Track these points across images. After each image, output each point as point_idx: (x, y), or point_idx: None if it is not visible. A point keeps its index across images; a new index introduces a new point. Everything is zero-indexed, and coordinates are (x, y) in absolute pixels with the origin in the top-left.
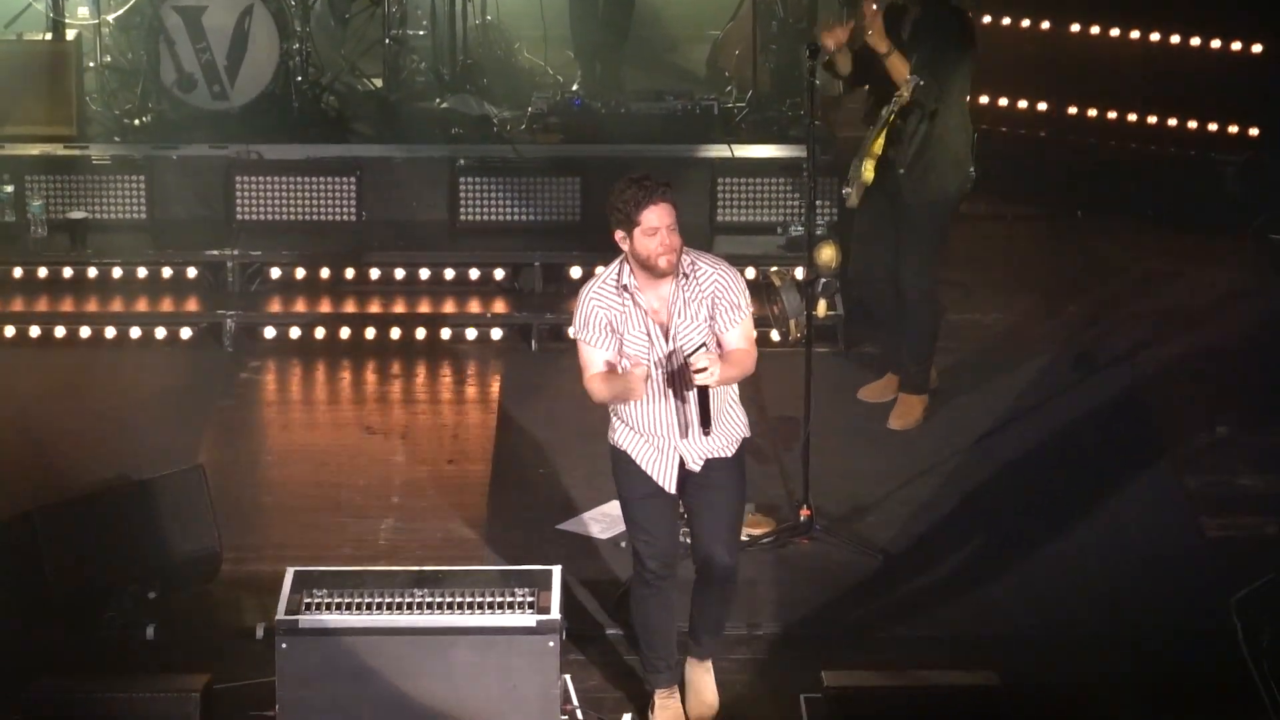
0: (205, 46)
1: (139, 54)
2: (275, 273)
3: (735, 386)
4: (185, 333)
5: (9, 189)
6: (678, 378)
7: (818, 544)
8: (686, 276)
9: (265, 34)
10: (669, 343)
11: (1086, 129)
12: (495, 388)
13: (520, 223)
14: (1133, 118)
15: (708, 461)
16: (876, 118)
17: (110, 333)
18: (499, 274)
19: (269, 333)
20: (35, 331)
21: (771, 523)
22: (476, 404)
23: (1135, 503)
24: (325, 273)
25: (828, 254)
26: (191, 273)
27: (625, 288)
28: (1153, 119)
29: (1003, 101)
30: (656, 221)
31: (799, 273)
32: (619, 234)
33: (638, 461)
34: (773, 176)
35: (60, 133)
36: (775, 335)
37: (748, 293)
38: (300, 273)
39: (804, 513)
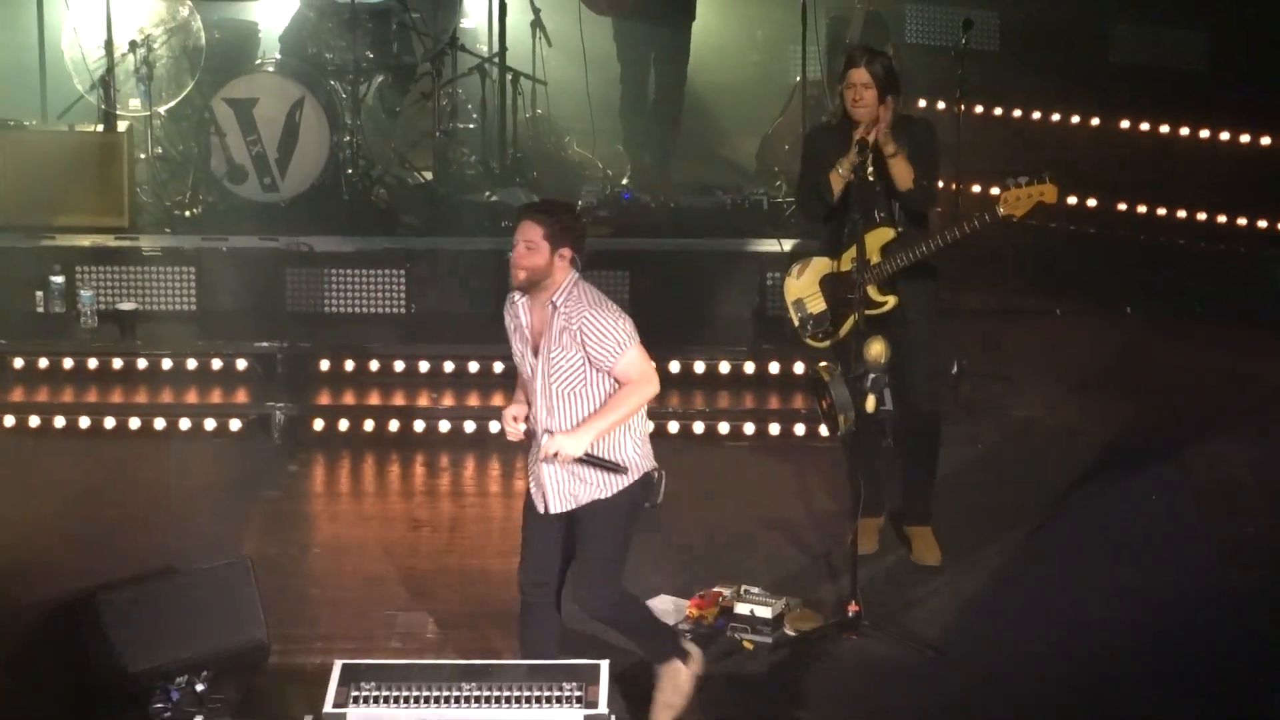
0: (256, 138)
1: (190, 145)
2: (324, 365)
3: (629, 431)
4: (234, 424)
5: (60, 279)
6: (542, 397)
7: (866, 639)
8: (555, 308)
9: (316, 126)
10: (537, 359)
11: (1136, 225)
12: None
13: None
14: (1182, 214)
15: (580, 510)
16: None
17: (159, 424)
18: None
19: (317, 425)
20: (85, 422)
21: (819, 618)
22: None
23: (1184, 599)
24: (374, 365)
25: (877, 349)
26: (241, 364)
27: (514, 300)
28: (1201, 215)
29: None
30: (516, 237)
31: None
32: None
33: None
34: None
35: (111, 223)
36: (824, 430)
37: (624, 332)
38: (349, 365)
39: (852, 608)
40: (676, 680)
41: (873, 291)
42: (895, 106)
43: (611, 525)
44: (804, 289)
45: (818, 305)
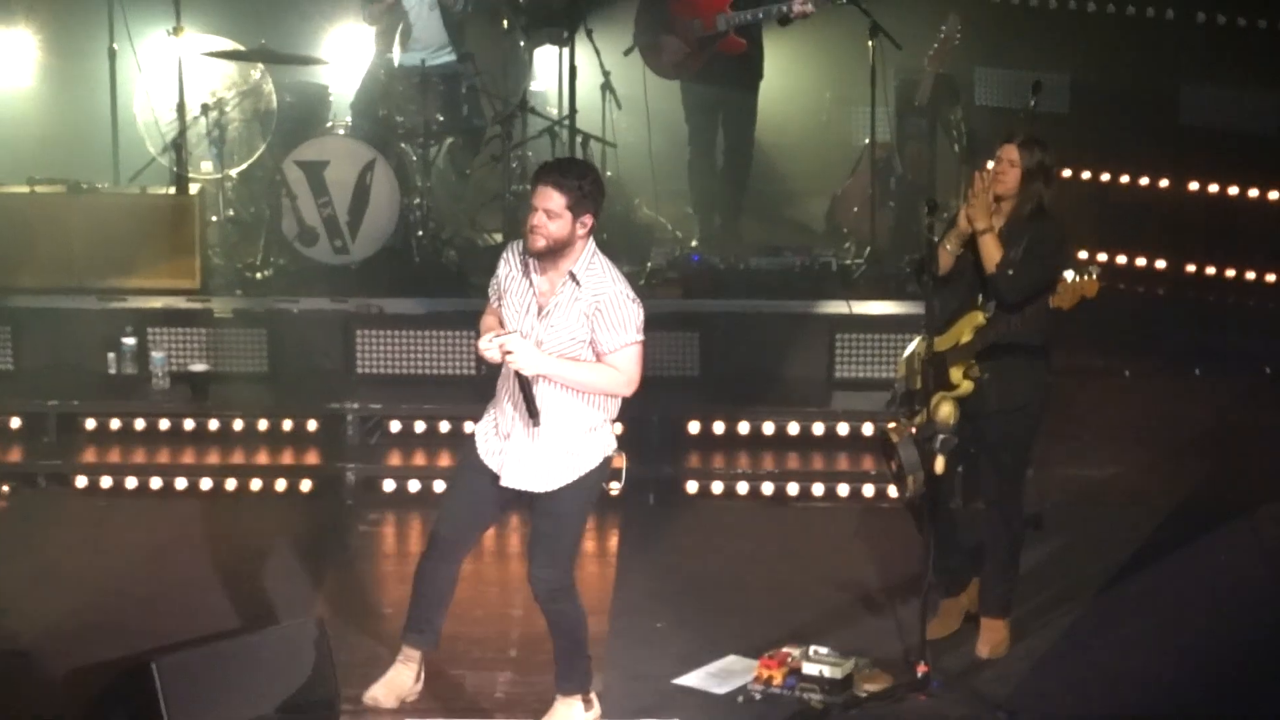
0: (327, 201)
1: (261, 208)
2: (395, 426)
3: (592, 423)
4: (305, 485)
5: (131, 341)
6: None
7: (936, 700)
8: (574, 281)
9: (386, 189)
10: (539, 326)
11: (1205, 287)
12: (613, 540)
13: None
14: (1251, 276)
15: (542, 495)
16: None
17: (231, 484)
18: (617, 428)
19: (388, 485)
20: (156, 483)
21: (888, 678)
22: (594, 557)
23: (1256, 661)
24: (445, 426)
25: (946, 410)
26: (311, 425)
27: (517, 253)
28: (1271, 277)
29: (1121, 259)
30: (535, 201)
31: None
32: None
33: (478, 433)
34: (891, 332)
35: (183, 285)
36: (893, 491)
37: (635, 320)
38: (420, 426)
39: (921, 668)
40: (569, 715)
41: (954, 372)
42: (1039, 196)
43: (577, 508)
44: (905, 366)
45: (915, 383)
